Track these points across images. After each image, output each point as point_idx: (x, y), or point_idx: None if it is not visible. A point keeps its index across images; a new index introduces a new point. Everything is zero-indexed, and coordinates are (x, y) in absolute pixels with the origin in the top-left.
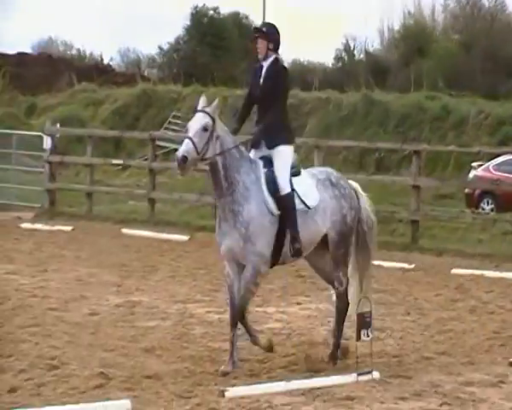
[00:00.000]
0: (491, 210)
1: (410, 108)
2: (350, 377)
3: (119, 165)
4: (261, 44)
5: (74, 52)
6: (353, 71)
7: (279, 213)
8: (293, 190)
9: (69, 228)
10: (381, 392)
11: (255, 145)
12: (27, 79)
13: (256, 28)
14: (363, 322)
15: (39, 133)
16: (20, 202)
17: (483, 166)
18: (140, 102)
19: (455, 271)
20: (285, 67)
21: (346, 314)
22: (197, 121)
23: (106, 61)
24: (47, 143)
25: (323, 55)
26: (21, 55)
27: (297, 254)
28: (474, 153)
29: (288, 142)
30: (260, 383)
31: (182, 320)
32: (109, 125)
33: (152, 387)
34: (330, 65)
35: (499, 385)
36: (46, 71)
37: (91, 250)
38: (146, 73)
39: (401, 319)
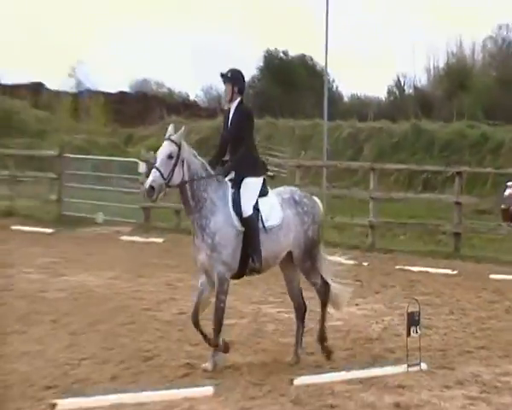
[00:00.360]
0: None
1: (452, 135)
2: (401, 368)
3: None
4: (227, 88)
5: (165, 90)
6: (403, 104)
7: (243, 229)
8: (257, 210)
9: (161, 240)
10: (428, 381)
11: (226, 176)
12: (126, 114)
13: (222, 74)
14: (413, 320)
15: (135, 159)
16: (120, 218)
17: None
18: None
19: (492, 276)
20: (248, 108)
21: (327, 303)
22: (163, 150)
23: (192, 98)
24: (142, 167)
25: (377, 89)
26: (121, 93)
27: (255, 271)
28: (508, 173)
29: (255, 174)
30: (324, 373)
31: (256, 319)
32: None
33: (231, 376)
34: (383, 98)
35: None
36: (141, 107)
37: (180, 259)
38: (226, 108)
39: (445, 318)
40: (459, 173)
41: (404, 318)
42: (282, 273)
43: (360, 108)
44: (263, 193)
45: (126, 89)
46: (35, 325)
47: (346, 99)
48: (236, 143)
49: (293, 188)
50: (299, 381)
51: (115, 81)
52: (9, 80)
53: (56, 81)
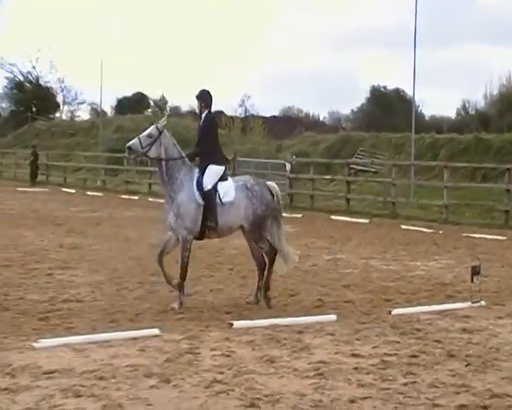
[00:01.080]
0: None
1: (504, 142)
2: (466, 304)
3: (328, 179)
4: (198, 104)
5: (303, 114)
6: (468, 120)
7: (203, 203)
8: (215, 189)
9: (299, 215)
10: (486, 313)
11: (191, 160)
12: (277, 130)
13: (195, 95)
14: (475, 271)
15: (283, 161)
16: None
17: None
18: (340, 142)
19: None
20: (213, 117)
21: (274, 261)
22: (147, 130)
23: (321, 118)
24: (288, 167)
25: (449, 110)
26: (274, 116)
27: (213, 231)
28: None
29: (217, 163)
30: (412, 306)
31: (365, 269)
32: (322, 156)
33: (348, 308)
34: (453, 117)
35: None
36: (287, 125)
37: (314, 228)
38: (344, 125)
39: (498, 270)
40: (508, 169)
41: (468, 269)
42: (246, 241)
43: (437, 124)
44: (223, 178)
45: (277, 113)
46: (218, 271)
47: (427, 118)
48: (204, 141)
49: (248, 177)
50: (395, 312)
51: (270, 108)
52: None
53: (232, 109)
